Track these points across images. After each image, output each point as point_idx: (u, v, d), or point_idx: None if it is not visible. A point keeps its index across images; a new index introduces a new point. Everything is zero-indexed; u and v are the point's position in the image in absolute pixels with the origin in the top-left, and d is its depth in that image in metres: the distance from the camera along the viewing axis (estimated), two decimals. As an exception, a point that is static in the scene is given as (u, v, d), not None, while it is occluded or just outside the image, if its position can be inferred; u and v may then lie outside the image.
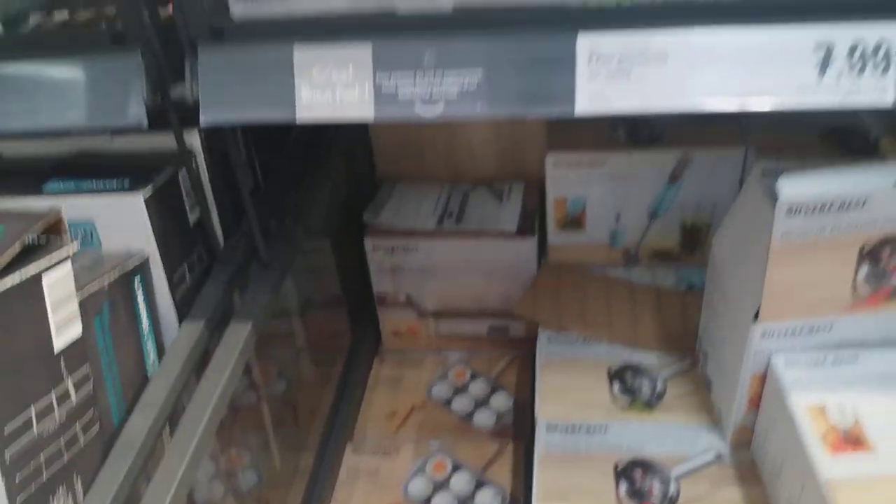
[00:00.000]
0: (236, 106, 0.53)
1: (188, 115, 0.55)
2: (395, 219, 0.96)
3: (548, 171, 0.88)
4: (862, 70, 0.49)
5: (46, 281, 0.49)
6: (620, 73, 0.50)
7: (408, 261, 0.94)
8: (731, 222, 0.67)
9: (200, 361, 0.62)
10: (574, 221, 0.91)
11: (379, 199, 0.99)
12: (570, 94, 0.50)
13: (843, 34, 0.49)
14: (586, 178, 0.88)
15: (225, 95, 0.52)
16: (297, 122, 0.52)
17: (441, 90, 0.51)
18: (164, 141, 0.63)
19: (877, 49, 0.49)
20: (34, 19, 0.64)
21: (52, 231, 0.51)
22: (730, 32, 0.49)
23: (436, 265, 0.94)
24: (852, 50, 0.49)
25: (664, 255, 0.92)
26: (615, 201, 0.89)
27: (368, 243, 0.94)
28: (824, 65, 0.49)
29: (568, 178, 0.88)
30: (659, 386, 0.78)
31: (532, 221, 0.94)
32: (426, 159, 1.03)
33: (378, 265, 0.95)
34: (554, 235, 0.93)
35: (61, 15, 0.63)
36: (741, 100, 0.49)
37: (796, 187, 0.55)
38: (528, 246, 0.92)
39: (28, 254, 0.49)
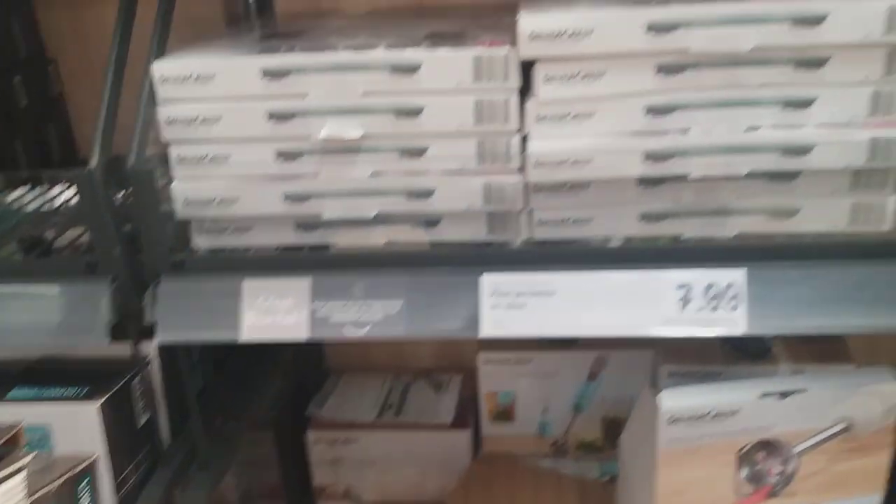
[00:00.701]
0: (189, 328, 0.61)
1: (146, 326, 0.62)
2: (338, 411, 1.01)
3: (479, 367, 0.96)
4: (716, 307, 0.59)
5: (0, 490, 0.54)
6: (517, 305, 0.59)
7: (348, 452, 0.99)
8: (633, 424, 0.75)
9: (137, 561, 0.65)
10: (505, 413, 0.98)
11: (324, 392, 1.05)
12: (475, 322, 0.59)
13: (699, 277, 0.59)
14: (514, 374, 0.96)
15: (180, 319, 0.60)
16: (240, 342, 0.60)
17: (368, 316, 0.60)
18: (122, 349, 0.70)
19: (727, 289, 0.59)
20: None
21: (10, 442, 0.56)
22: (607, 274, 0.59)
23: (375, 457, 0.99)
24: (707, 289, 0.59)
25: (589, 447, 0.99)
26: (542, 395, 0.97)
27: (310, 436, 0.98)
28: (685, 301, 0.59)
29: (498, 374, 0.96)
30: (581, 580, 0.81)
31: (467, 413, 1.00)
32: (372, 351, 1.11)
33: (319, 457, 0.99)
34: (487, 426, 0.99)
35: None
36: (616, 328, 0.59)
37: (675, 400, 0.63)
38: (464, 438, 0.98)
39: (-15, 463, 0.54)
